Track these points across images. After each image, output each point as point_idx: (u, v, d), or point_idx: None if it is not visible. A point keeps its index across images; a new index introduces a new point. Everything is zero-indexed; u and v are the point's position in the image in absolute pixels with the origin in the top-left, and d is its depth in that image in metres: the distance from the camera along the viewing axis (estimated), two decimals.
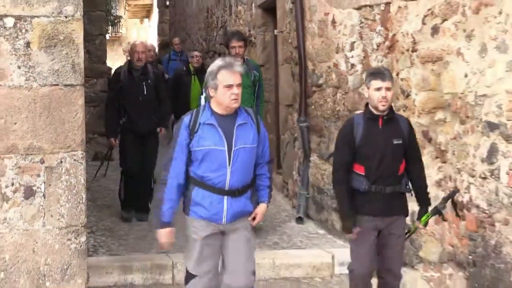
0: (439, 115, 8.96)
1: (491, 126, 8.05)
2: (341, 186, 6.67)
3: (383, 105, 6.61)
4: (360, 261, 6.95)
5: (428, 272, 9.19)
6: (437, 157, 9.10)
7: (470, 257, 8.49)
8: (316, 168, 12.22)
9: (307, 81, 12.32)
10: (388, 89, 6.76)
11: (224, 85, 5.86)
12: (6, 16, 7.67)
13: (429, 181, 9.11)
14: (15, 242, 7.79)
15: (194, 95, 14.49)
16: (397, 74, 9.65)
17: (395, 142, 6.49)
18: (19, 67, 7.74)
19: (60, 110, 7.89)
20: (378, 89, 6.53)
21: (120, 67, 9.41)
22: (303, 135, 12.61)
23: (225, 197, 5.86)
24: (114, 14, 33.37)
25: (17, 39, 7.73)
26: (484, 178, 8.20)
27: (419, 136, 9.17)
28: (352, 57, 10.88)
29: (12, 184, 7.78)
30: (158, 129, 10.47)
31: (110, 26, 28.89)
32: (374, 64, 10.13)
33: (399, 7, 9.58)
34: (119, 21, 37.39)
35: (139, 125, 9.90)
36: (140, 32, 37.60)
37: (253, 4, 15.55)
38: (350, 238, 6.48)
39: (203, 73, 13.81)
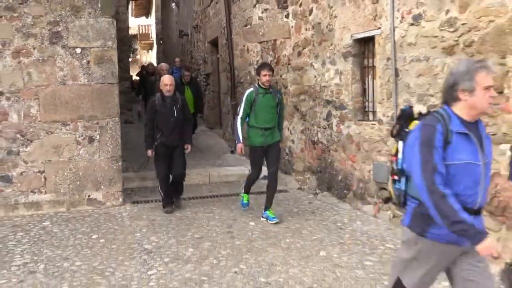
0: (302, 97, 9.10)
1: (328, 102, 8.30)
2: None
3: None
4: None
5: (297, 176, 9.46)
6: (301, 118, 9.19)
7: (318, 168, 8.83)
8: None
9: (235, 80, 12.30)
10: None
11: (483, 87, 3.23)
12: (77, 47, 7.73)
13: (296, 131, 9.38)
14: (84, 166, 7.91)
15: (187, 99, 11.98)
16: (281, 76, 9.78)
17: None
18: (83, 74, 7.81)
19: (106, 96, 7.95)
20: None
21: (155, 95, 7.70)
22: (232, 108, 12.36)
23: (472, 216, 3.16)
24: (133, 47, 32.85)
25: (82, 59, 7.79)
26: (325, 128, 8.47)
27: (292, 108, 9.43)
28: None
29: (82, 135, 7.88)
30: (186, 146, 7.87)
31: (131, 53, 28.35)
32: None
33: (281, 42, 9.71)
34: (136, 51, 36.72)
35: (170, 140, 7.58)
36: (147, 57, 36.88)
37: (205, 41, 15.55)
38: None
39: (192, 84, 12.26)
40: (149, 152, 7.77)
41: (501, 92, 5.23)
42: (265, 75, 7.19)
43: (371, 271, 5.28)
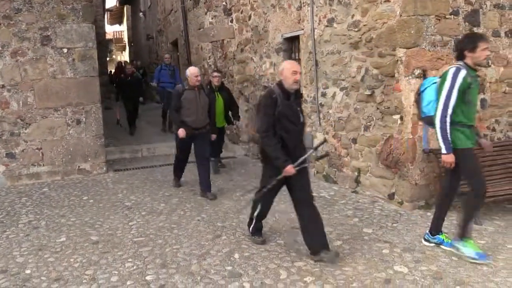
0: (245, 84, 9.06)
1: (265, 87, 8.21)
2: None
3: None
4: None
5: (243, 145, 9.36)
6: (245, 100, 9.14)
7: (259, 138, 8.86)
8: None
9: None
10: None
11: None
12: (63, 47, 7.42)
13: (241, 110, 9.35)
14: (74, 143, 7.67)
15: (218, 110, 7.39)
16: (228, 68, 9.71)
17: None
18: (70, 69, 7.53)
19: (89, 87, 7.69)
20: None
21: (272, 91, 4.09)
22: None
23: None
24: (110, 48, 31.69)
25: (69, 57, 7.50)
26: None
27: (237, 92, 9.40)
28: (209, 62, 10.74)
29: (71, 118, 7.62)
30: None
31: (108, 54, 27.29)
32: (219, 64, 10.22)
33: (227, 41, 9.63)
34: (112, 51, 35.50)
35: (296, 155, 4.03)
36: (121, 57, 35.57)
37: (168, 42, 15.26)
38: None
39: (223, 90, 7.65)
40: (291, 169, 3.94)
41: (392, 76, 5.42)
42: (484, 49, 3.85)
43: None
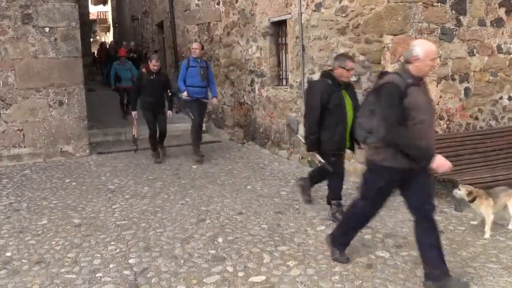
0: (231, 68, 9.00)
1: (251, 72, 8.29)
2: None
3: None
4: None
5: (228, 130, 9.42)
6: (230, 85, 9.10)
7: (245, 123, 8.87)
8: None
9: (177, 55, 11.89)
10: None
11: None
12: (45, 27, 7.27)
13: (227, 95, 9.33)
14: (56, 124, 7.56)
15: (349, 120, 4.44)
16: (214, 51, 9.63)
17: None
18: (52, 49, 7.38)
19: (72, 67, 7.56)
20: None
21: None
22: (175, 77, 11.80)
23: None
24: (93, 29, 31.04)
25: (51, 37, 7.35)
26: (249, 92, 8.51)
27: (223, 77, 9.35)
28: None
29: (53, 100, 7.50)
30: None
31: (92, 34, 26.66)
32: (205, 47, 10.09)
33: (214, 24, 9.53)
34: (96, 32, 34.80)
35: None
36: (105, 38, 34.79)
37: (153, 24, 15.01)
38: None
39: (349, 88, 4.63)
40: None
41: (378, 63, 5.43)
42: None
43: (285, 198, 5.46)
